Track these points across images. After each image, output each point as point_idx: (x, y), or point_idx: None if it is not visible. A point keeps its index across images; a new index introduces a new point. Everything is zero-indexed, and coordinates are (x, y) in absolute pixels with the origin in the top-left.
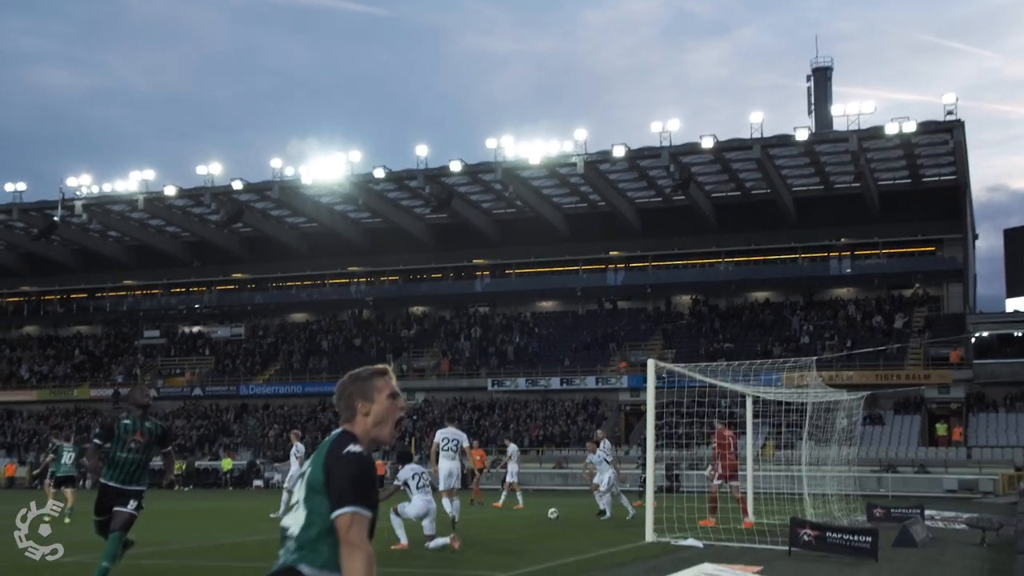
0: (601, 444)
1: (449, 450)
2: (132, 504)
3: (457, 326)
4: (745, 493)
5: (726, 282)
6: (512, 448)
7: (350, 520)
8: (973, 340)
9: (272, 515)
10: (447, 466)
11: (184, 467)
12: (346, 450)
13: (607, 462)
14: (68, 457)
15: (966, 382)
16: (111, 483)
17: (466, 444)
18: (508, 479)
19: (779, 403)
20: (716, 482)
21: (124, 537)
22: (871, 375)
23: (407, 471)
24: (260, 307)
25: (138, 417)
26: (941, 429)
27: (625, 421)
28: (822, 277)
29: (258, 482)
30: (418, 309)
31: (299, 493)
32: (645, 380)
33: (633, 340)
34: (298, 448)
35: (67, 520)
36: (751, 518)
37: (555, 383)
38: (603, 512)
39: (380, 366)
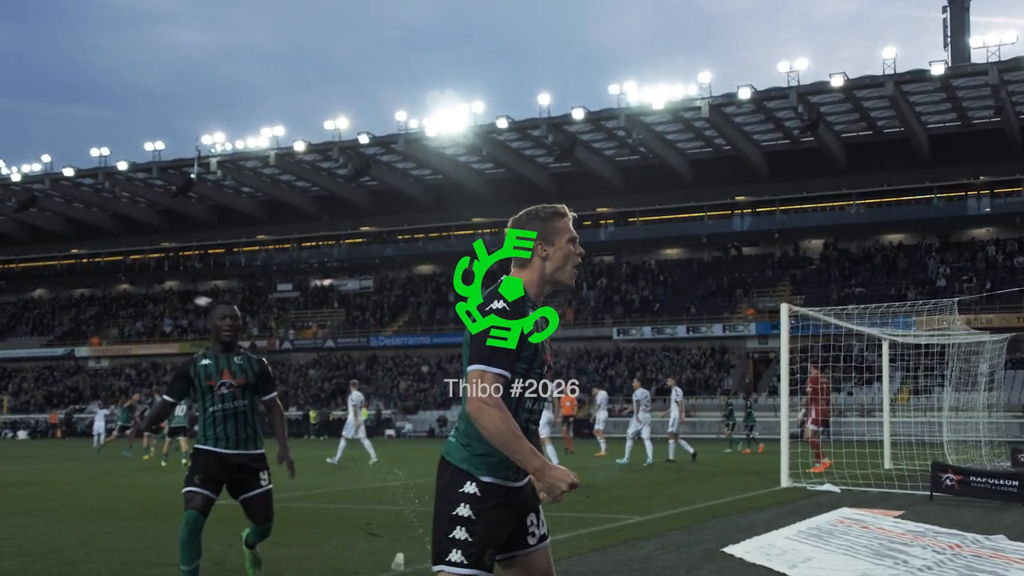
0: (640, 390)
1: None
2: (264, 477)
3: (581, 275)
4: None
5: (857, 225)
6: (601, 396)
7: (477, 377)
8: None
9: (329, 460)
10: (546, 415)
11: (318, 417)
12: (488, 306)
13: (645, 406)
14: (180, 409)
15: None
16: (218, 448)
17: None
18: (596, 427)
19: (917, 347)
20: (811, 427)
21: (270, 528)
22: (1013, 318)
23: None
24: (388, 260)
25: (219, 353)
26: None
27: (753, 368)
28: (959, 217)
29: (390, 431)
30: None
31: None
32: (773, 327)
33: (760, 286)
34: (354, 396)
35: (164, 463)
36: (819, 464)
37: (681, 331)
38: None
39: (559, 206)
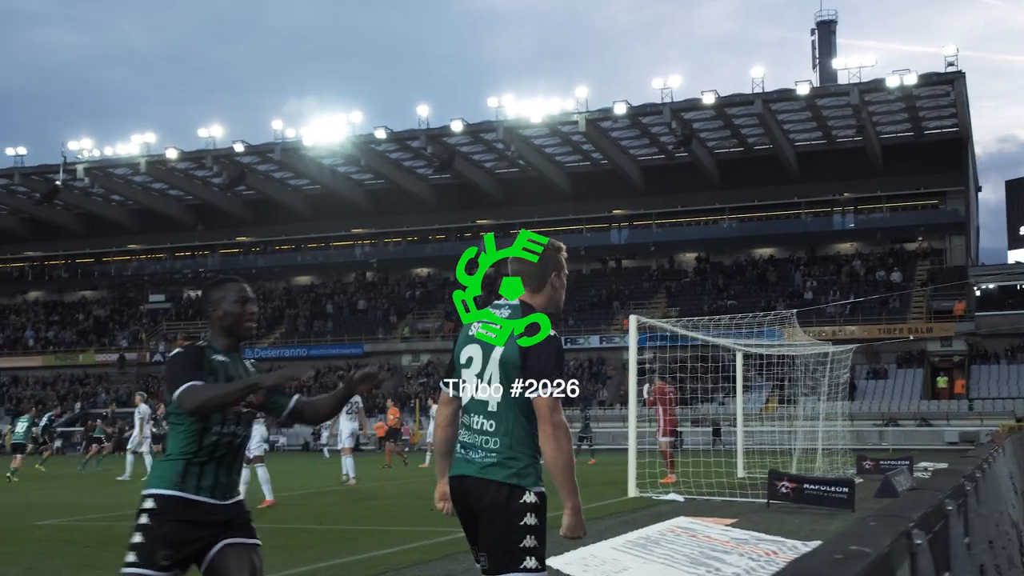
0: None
1: (352, 412)
2: (258, 551)
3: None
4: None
5: (730, 239)
6: (434, 409)
7: (555, 401)
8: (978, 292)
9: (119, 478)
10: (349, 426)
11: None
12: (545, 331)
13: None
14: (21, 426)
15: (968, 335)
16: (204, 498)
17: (361, 405)
18: (428, 439)
19: (782, 358)
20: (663, 439)
21: None
22: (873, 329)
23: None
24: (264, 270)
25: (229, 351)
26: (941, 382)
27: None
28: (825, 232)
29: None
30: (422, 270)
31: (492, 370)
32: (648, 338)
33: (637, 298)
34: (142, 410)
35: (15, 479)
36: (670, 475)
37: None
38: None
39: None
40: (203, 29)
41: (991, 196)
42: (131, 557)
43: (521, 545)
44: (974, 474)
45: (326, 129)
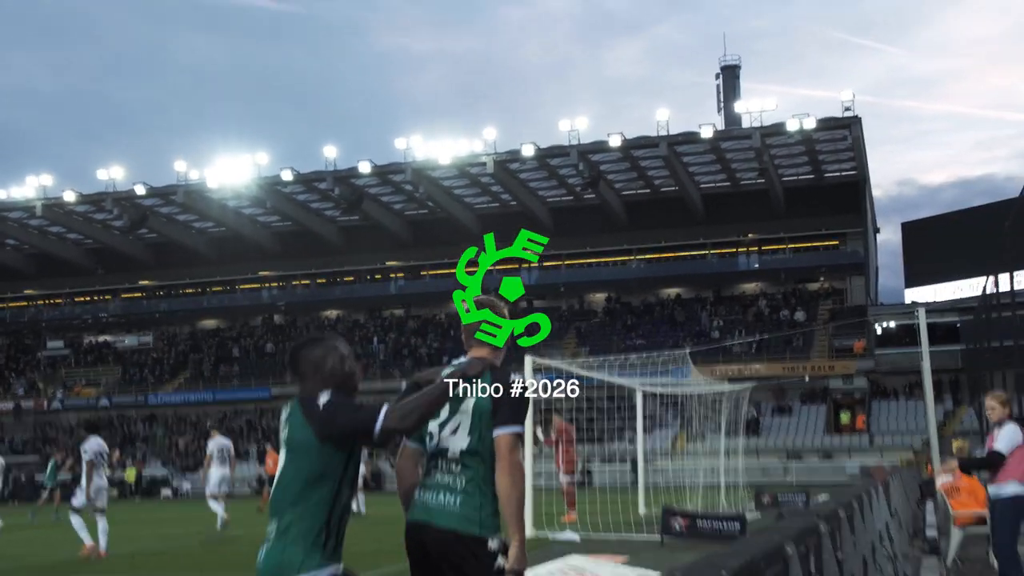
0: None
1: (223, 457)
2: None
3: (371, 329)
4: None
5: (638, 279)
6: None
7: (516, 440)
8: (880, 331)
9: None
10: (219, 472)
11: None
12: (513, 377)
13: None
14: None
15: (868, 372)
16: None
17: (232, 452)
18: None
19: (688, 396)
20: (564, 477)
21: None
22: (778, 367)
23: (94, 443)
24: (168, 315)
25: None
26: (844, 418)
27: (540, 420)
28: (731, 273)
29: (166, 491)
30: (331, 313)
31: (460, 419)
32: (556, 378)
33: (547, 339)
34: None
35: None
36: (574, 514)
37: None
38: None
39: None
40: (107, 68)
41: (891, 237)
42: None
43: None
44: (836, 513)
45: (231, 171)
